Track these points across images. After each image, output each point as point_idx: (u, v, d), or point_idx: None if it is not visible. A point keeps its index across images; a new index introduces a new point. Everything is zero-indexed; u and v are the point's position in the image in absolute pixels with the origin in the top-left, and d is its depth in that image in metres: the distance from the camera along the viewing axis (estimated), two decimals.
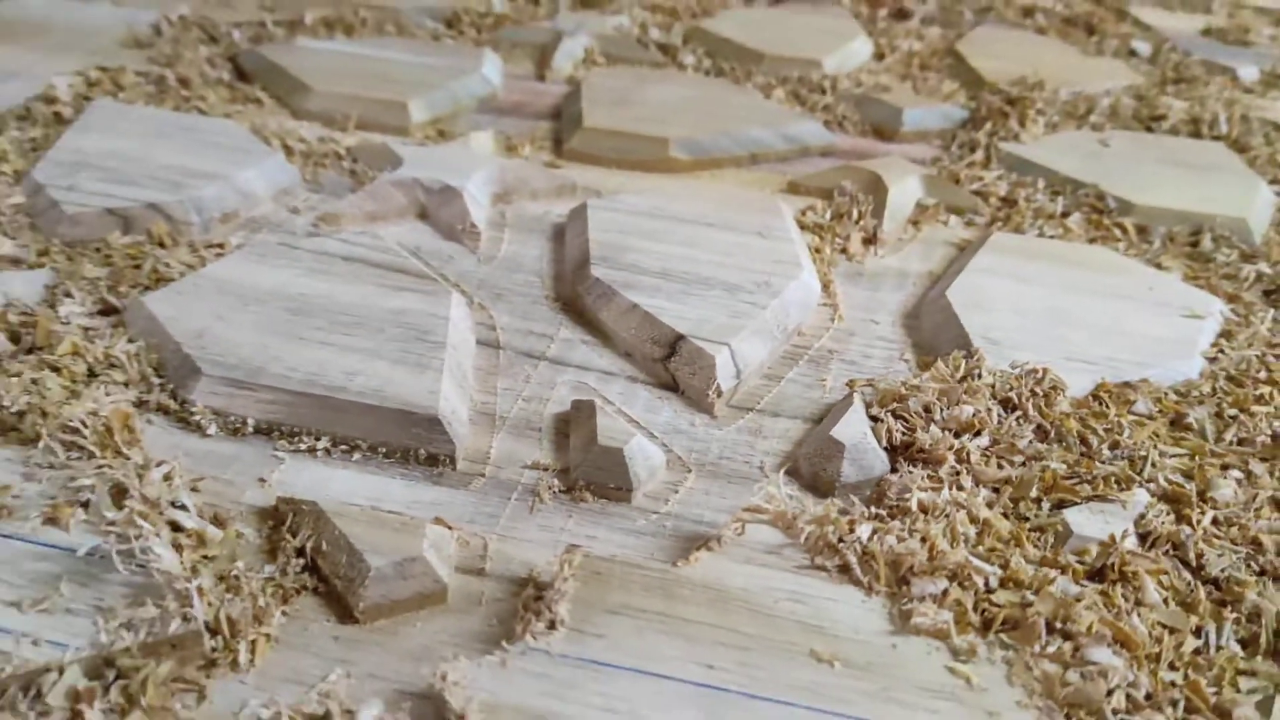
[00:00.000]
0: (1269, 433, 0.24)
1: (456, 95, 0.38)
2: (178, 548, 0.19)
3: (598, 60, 0.43)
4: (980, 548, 0.20)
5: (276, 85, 0.38)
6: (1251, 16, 0.50)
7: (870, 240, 0.32)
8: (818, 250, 0.31)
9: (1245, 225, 0.32)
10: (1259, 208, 0.33)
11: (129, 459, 0.21)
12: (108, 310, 0.26)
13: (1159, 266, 0.30)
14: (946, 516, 0.21)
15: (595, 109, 0.37)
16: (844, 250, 0.31)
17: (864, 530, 0.20)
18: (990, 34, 0.45)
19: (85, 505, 0.20)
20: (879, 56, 0.44)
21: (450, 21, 0.45)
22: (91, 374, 0.24)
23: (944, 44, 0.45)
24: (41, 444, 0.21)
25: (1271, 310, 0.28)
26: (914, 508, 0.21)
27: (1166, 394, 0.25)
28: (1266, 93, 0.41)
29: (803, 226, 0.32)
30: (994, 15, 0.48)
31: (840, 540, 0.20)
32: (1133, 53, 0.44)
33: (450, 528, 0.21)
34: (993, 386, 0.24)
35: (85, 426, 0.21)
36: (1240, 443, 0.24)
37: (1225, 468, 0.23)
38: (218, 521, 0.20)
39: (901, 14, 0.48)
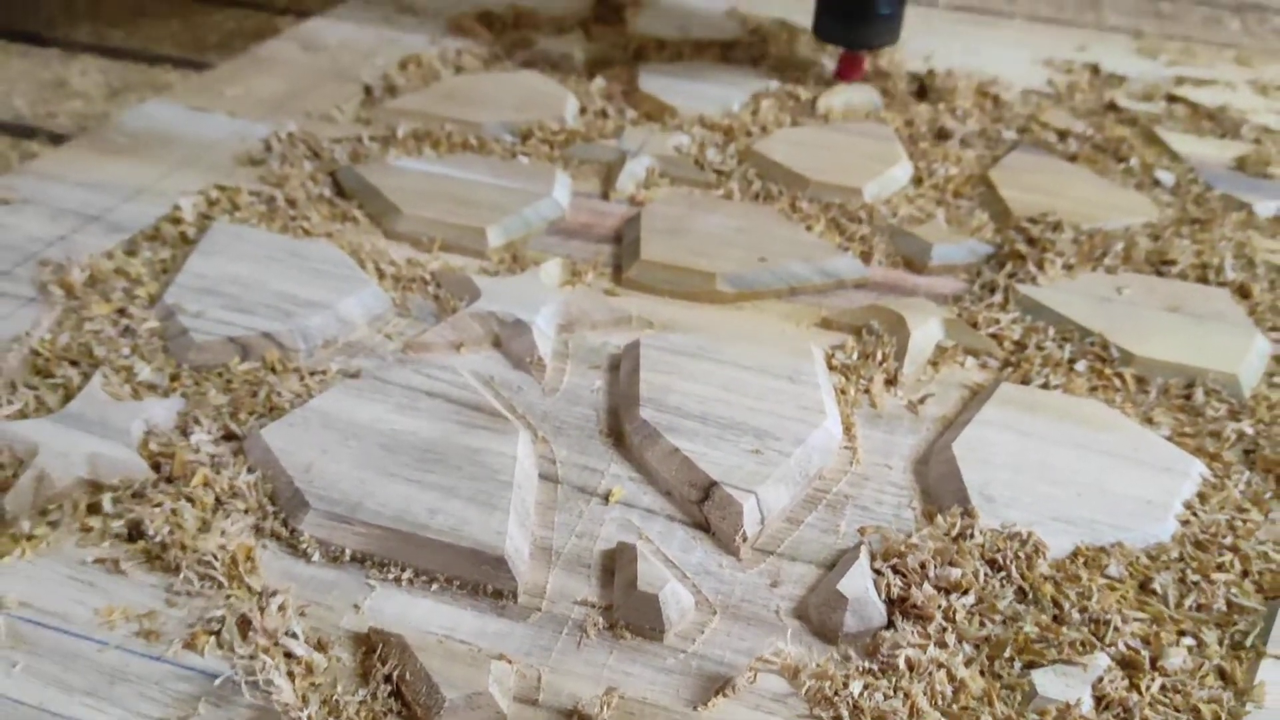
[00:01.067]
0: (1224, 600, 0.27)
1: (529, 220, 0.43)
2: (290, 675, 0.24)
3: (658, 180, 0.47)
4: (955, 706, 0.24)
5: (371, 204, 0.43)
6: (1277, 139, 0.52)
7: (891, 382, 0.35)
8: (843, 391, 0.35)
9: (1236, 381, 0.35)
10: (1251, 361, 0.36)
11: (251, 589, 0.26)
12: (229, 435, 0.31)
13: (1150, 421, 0.34)
14: (929, 675, 0.24)
15: (652, 239, 0.41)
16: (867, 391, 0.35)
17: (856, 686, 0.24)
18: (1022, 160, 0.48)
19: (217, 635, 0.25)
20: (917, 181, 0.47)
21: (526, 135, 0.49)
22: (218, 502, 0.29)
23: (979, 168, 0.49)
24: (181, 575, 0.26)
25: (1247, 471, 0.32)
26: (901, 665, 0.25)
27: (1138, 558, 0.28)
28: (1278, 232, 0.44)
29: (831, 368, 0.36)
30: (1029, 137, 0.51)
31: (835, 694, 0.24)
32: (1157, 183, 0.48)
33: (510, 662, 0.25)
34: (982, 546, 0.28)
35: (216, 559, 0.26)
36: (1199, 608, 0.27)
37: (1181, 634, 0.26)
38: (320, 647, 0.25)
39: (942, 134, 0.51)
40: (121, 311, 0.36)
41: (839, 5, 0.52)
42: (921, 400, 0.35)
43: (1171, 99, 0.56)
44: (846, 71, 0.54)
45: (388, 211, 0.42)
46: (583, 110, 0.52)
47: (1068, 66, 0.60)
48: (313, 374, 0.34)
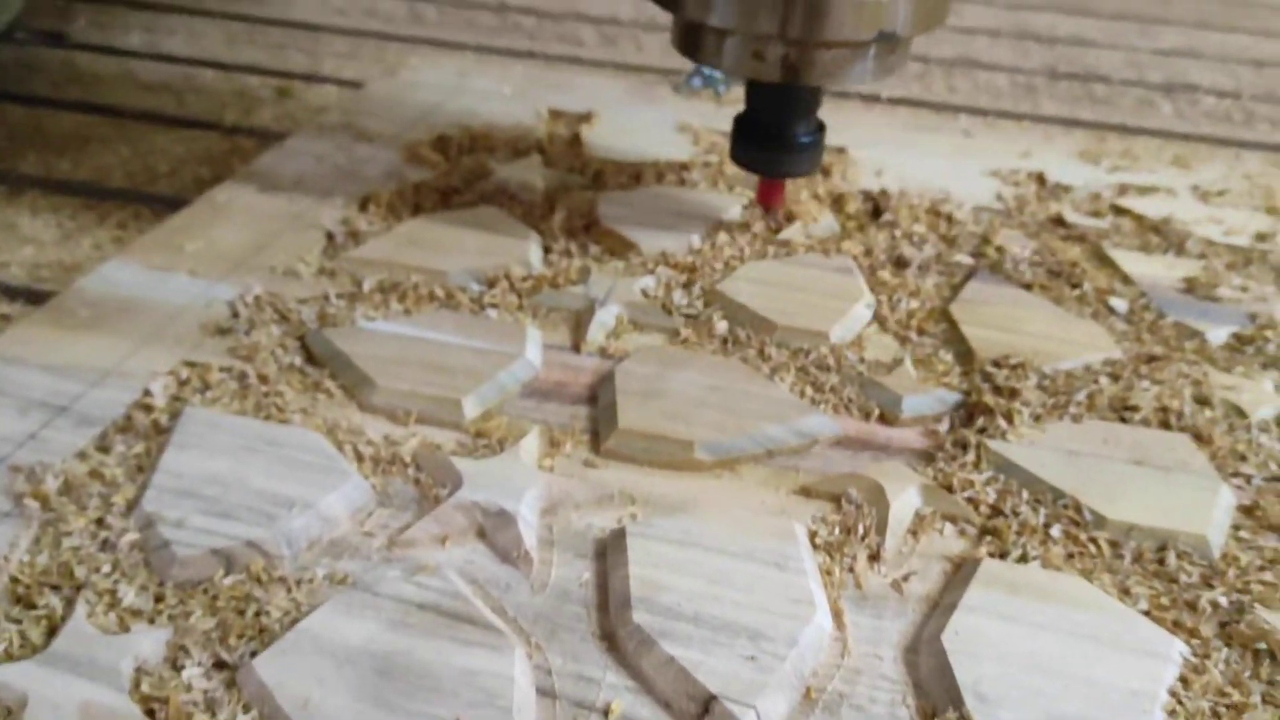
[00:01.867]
0: None
1: (504, 384, 0.43)
2: None
3: (627, 327, 0.47)
4: None
5: (344, 374, 0.43)
6: (1223, 255, 0.54)
7: (875, 557, 0.36)
8: (828, 573, 0.35)
9: (1205, 542, 0.36)
10: (1218, 518, 0.37)
11: None
12: (220, 664, 0.31)
13: (1127, 592, 0.35)
14: None
15: (628, 403, 0.42)
16: (851, 570, 0.36)
17: None
18: (980, 291, 0.50)
19: None
20: (881, 319, 0.48)
21: (493, 283, 0.49)
22: None
23: (940, 299, 0.50)
24: None
25: (1226, 648, 0.33)
26: None
27: None
28: (1233, 364, 0.46)
29: (815, 546, 0.36)
30: (985, 262, 0.52)
31: None
32: (1111, 310, 0.49)
33: None
34: None
35: None
36: None
37: None
38: None
39: (900, 262, 0.52)
40: (100, 522, 0.35)
41: (755, 133, 0.51)
42: (905, 578, 0.35)
43: (1117, 210, 0.58)
44: (765, 198, 0.55)
45: (361, 383, 0.42)
46: (547, 250, 0.52)
47: (1014, 178, 0.62)
48: (299, 583, 0.34)
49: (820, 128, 0.52)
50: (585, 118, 0.67)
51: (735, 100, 0.72)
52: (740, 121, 0.53)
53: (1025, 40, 0.96)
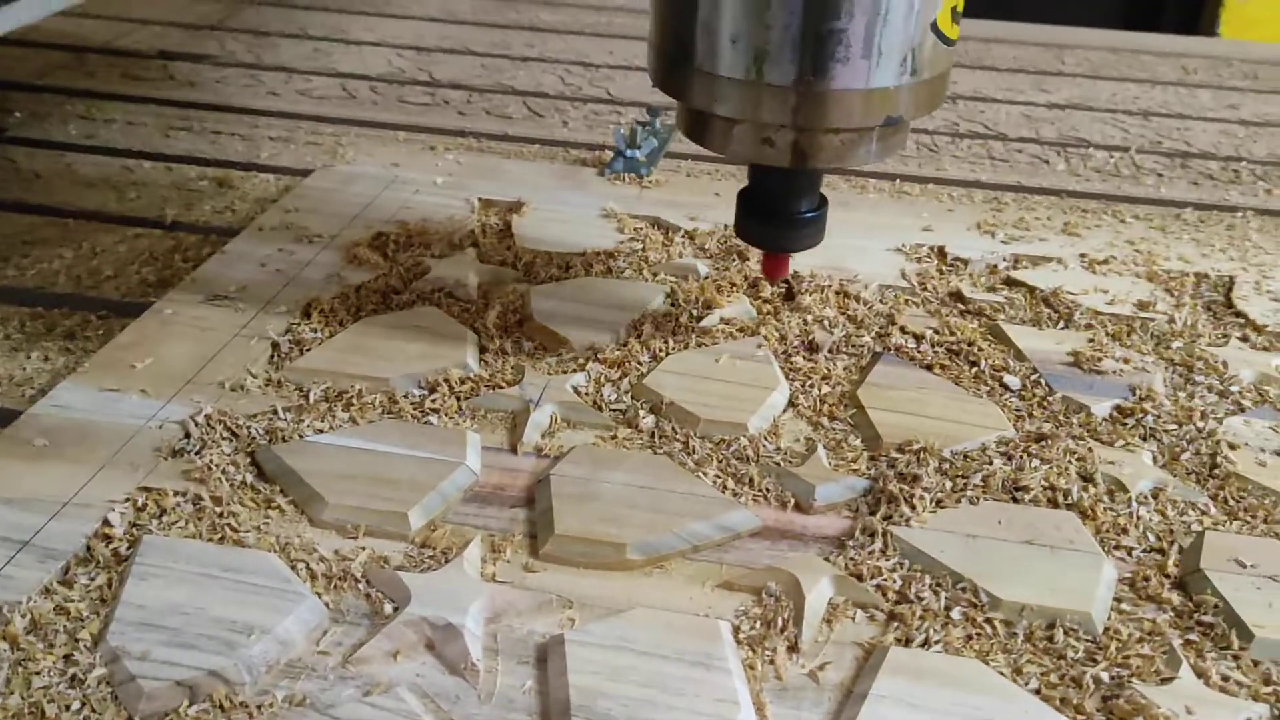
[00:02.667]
0: None
1: (446, 494, 0.46)
2: None
3: (561, 426, 0.50)
4: None
5: (294, 490, 0.46)
6: (1107, 325, 0.59)
7: (793, 648, 0.39)
8: (751, 667, 0.39)
9: (1089, 618, 0.40)
10: (1102, 593, 0.41)
11: None
12: None
13: (1019, 671, 0.38)
14: None
15: (563, 508, 0.45)
16: (772, 662, 0.39)
17: None
18: (886, 374, 0.53)
19: None
20: (793, 403, 0.52)
21: (433, 387, 0.52)
22: None
23: (849, 383, 0.53)
24: None
25: None
26: None
27: None
28: (1115, 438, 0.50)
29: (739, 642, 0.39)
30: (890, 342, 0.56)
31: None
32: (1005, 387, 0.53)
33: None
34: None
35: None
36: None
37: None
38: None
39: (812, 347, 0.56)
40: (67, 658, 0.37)
41: (760, 209, 0.53)
42: (821, 668, 0.39)
43: (1011, 284, 0.63)
44: (770, 271, 0.57)
45: (311, 500, 0.45)
46: (483, 349, 0.55)
47: (917, 253, 0.66)
48: (260, 708, 0.36)
49: (823, 201, 0.54)
50: (515, 207, 0.70)
51: (663, 180, 0.76)
52: (744, 198, 0.54)
53: None
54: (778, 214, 0.53)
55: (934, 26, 0.47)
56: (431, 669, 0.38)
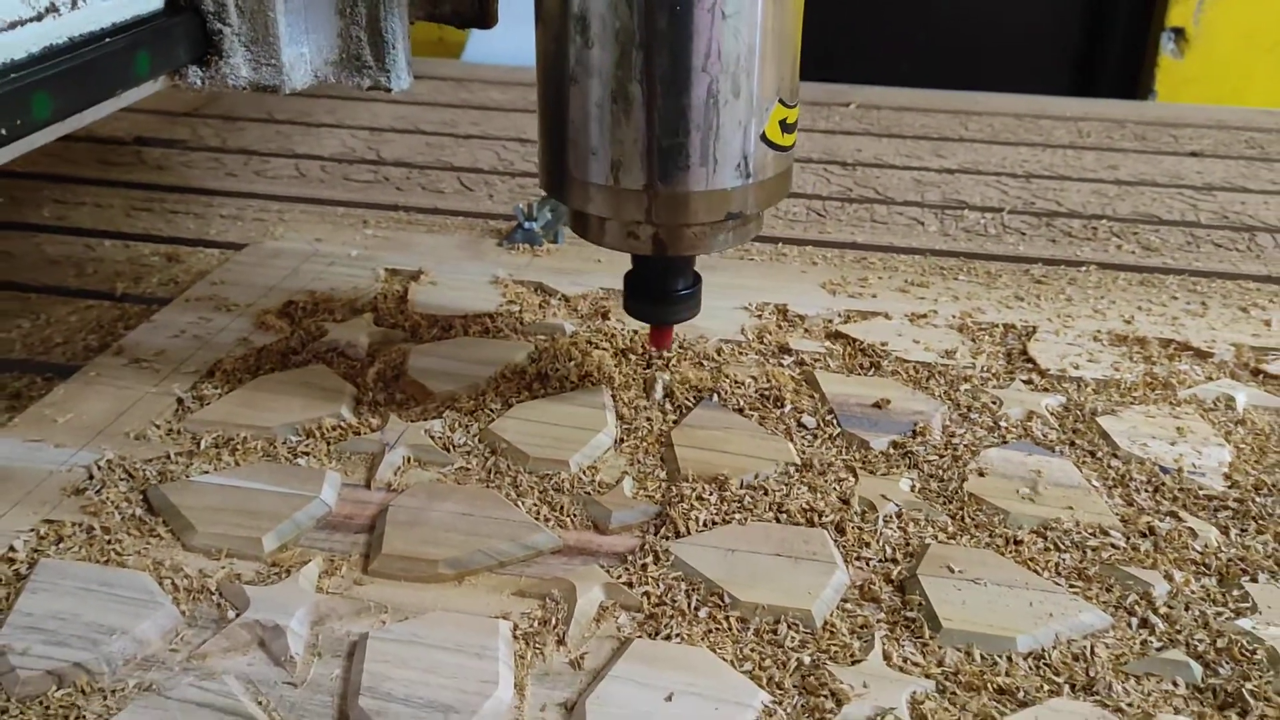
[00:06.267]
0: None
1: (299, 523, 0.54)
2: None
3: (411, 466, 0.59)
4: None
5: (173, 521, 0.54)
6: (910, 372, 0.67)
7: (561, 642, 0.48)
8: (522, 657, 0.47)
9: (810, 615, 0.48)
10: (827, 595, 0.49)
11: None
12: None
13: (740, 657, 0.46)
14: None
15: (394, 532, 0.53)
16: (541, 653, 0.47)
17: None
18: (700, 417, 0.62)
19: None
20: (620, 442, 0.61)
21: (309, 434, 0.61)
22: None
23: (668, 425, 0.62)
24: None
25: (799, 696, 0.44)
26: None
27: None
28: (887, 468, 0.58)
29: (517, 637, 0.48)
30: (710, 390, 0.65)
31: None
32: (802, 426, 0.61)
33: None
34: None
35: None
36: None
37: None
38: None
39: (647, 390, 0.65)
40: None
41: (642, 289, 0.61)
42: (581, 657, 0.47)
43: (835, 336, 0.71)
44: (656, 342, 0.65)
45: (185, 528, 0.54)
46: (359, 401, 0.64)
47: (760, 311, 0.75)
48: (114, 693, 0.45)
49: (696, 280, 0.62)
50: (415, 276, 0.80)
51: (553, 250, 0.85)
52: (630, 279, 0.62)
53: (831, 165, 1.11)
54: (657, 293, 0.62)
55: (764, 137, 0.55)
56: (260, 662, 0.47)
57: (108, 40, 0.56)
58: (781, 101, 0.55)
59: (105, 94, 0.56)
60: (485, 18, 0.65)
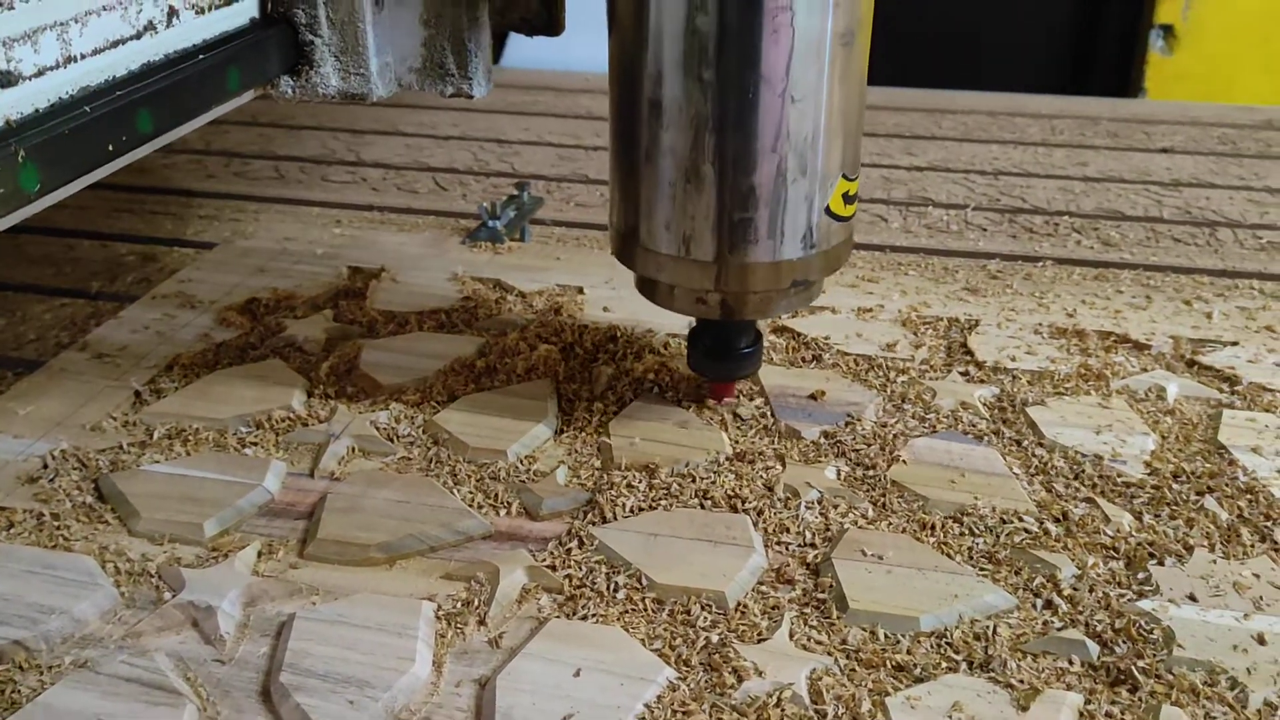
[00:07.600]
0: None
1: (241, 509, 0.56)
2: None
3: (357, 456, 0.61)
4: None
5: (120, 509, 0.56)
6: (850, 365, 0.68)
7: (481, 621, 0.49)
8: (442, 635, 0.48)
9: (723, 596, 0.50)
10: (742, 578, 0.51)
11: None
12: None
13: (652, 636, 0.48)
14: None
15: (331, 518, 0.55)
16: (462, 632, 0.49)
17: None
18: (639, 408, 0.63)
19: None
20: (560, 431, 0.62)
21: (259, 425, 0.63)
22: None
23: (608, 417, 0.64)
24: None
25: (703, 672, 0.46)
26: None
27: None
28: (816, 457, 0.59)
29: (439, 617, 0.49)
30: (652, 383, 0.66)
31: None
32: (739, 417, 0.63)
33: None
34: None
35: None
36: None
37: None
38: None
39: (594, 387, 0.66)
40: None
41: (706, 347, 0.63)
42: (500, 636, 0.49)
43: (780, 330, 0.72)
44: (718, 394, 0.65)
45: (131, 515, 0.56)
46: (310, 394, 0.66)
47: None
48: (50, 668, 0.47)
49: (758, 337, 0.63)
50: (375, 274, 0.82)
51: (516, 247, 0.87)
52: (695, 336, 0.64)
53: None
54: (722, 352, 0.63)
55: (827, 210, 0.57)
56: (192, 640, 0.49)
57: (201, 57, 0.58)
58: (844, 175, 0.57)
59: (200, 109, 0.57)
60: (553, 25, 0.67)
